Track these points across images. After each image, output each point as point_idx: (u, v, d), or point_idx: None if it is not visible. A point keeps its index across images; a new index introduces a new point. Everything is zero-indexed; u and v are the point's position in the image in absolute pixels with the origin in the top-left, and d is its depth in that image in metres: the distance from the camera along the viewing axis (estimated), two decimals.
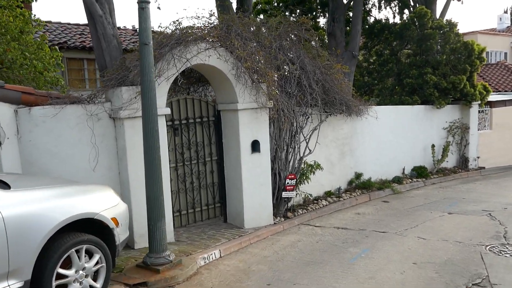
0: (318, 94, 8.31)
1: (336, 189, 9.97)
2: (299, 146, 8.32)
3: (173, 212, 6.94)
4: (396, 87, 14.34)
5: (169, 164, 6.83)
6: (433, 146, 12.93)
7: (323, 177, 9.51)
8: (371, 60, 15.57)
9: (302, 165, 8.34)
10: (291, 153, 8.16)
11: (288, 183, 7.74)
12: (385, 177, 11.59)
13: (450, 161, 13.75)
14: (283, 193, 7.76)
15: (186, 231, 6.95)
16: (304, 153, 8.32)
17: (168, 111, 6.23)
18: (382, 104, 13.15)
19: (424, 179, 12.37)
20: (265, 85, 7.12)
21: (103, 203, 4.49)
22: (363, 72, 15.48)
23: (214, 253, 6.03)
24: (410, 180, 12.05)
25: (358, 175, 10.67)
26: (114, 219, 4.53)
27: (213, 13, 7.45)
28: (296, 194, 8.41)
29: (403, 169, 12.28)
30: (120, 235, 4.67)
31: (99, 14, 7.21)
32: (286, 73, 7.82)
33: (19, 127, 5.91)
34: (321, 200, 9.21)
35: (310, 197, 8.84)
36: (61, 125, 5.91)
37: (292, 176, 7.80)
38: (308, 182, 8.33)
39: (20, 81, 7.53)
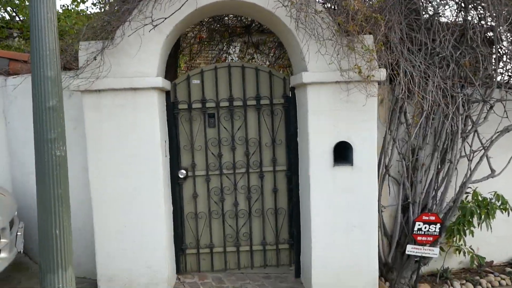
0: None
1: None
2: (471, 160, 4.35)
3: (199, 247, 4.35)
4: None
5: (193, 171, 4.28)
6: None
7: None
8: None
9: (466, 198, 4.34)
10: (442, 174, 4.32)
11: (419, 229, 4.00)
12: None
13: None
14: (409, 247, 4.06)
15: (215, 280, 4.26)
16: (471, 174, 4.29)
17: (157, 82, 3.68)
18: None
19: None
20: (370, 38, 3.72)
21: None
22: None
23: None
24: None
25: None
26: None
27: None
28: (460, 251, 4.50)
29: None
30: None
31: None
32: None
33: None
34: None
35: (480, 262, 4.58)
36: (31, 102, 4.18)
37: (433, 218, 4.00)
38: (470, 234, 4.27)
39: None
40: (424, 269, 4.53)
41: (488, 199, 4.22)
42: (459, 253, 4.54)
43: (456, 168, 4.38)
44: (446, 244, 4.46)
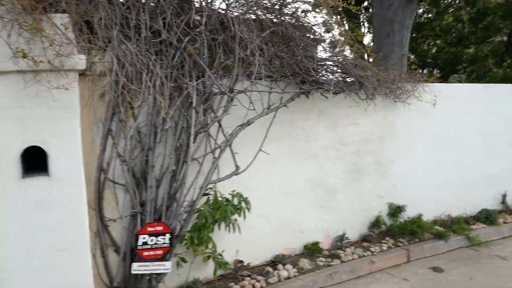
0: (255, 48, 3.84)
1: (337, 238, 5.27)
2: (217, 159, 3.95)
3: None
4: (503, 55, 8.69)
5: None
6: None
7: (301, 214, 4.97)
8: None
9: (208, 200, 3.93)
10: (180, 176, 3.83)
11: (145, 242, 3.44)
12: (460, 212, 6.43)
13: None
14: (135, 265, 3.48)
15: None
16: (209, 173, 3.89)
17: None
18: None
19: None
20: (65, 17, 3.01)
21: None
22: (449, 38, 9.99)
23: None
24: None
25: (395, 210, 5.77)
26: None
27: None
28: (211, 257, 4.06)
29: (504, 196, 6.91)
30: None
31: None
32: None
33: None
34: (283, 265, 4.64)
35: (223, 267, 4.15)
36: None
37: (160, 228, 3.47)
38: (208, 240, 3.88)
39: None
40: (171, 284, 4.02)
41: (225, 200, 3.85)
42: (214, 260, 4.13)
43: (200, 168, 3.96)
44: (194, 252, 4.00)
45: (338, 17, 13.54)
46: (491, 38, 9.05)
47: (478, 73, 8.73)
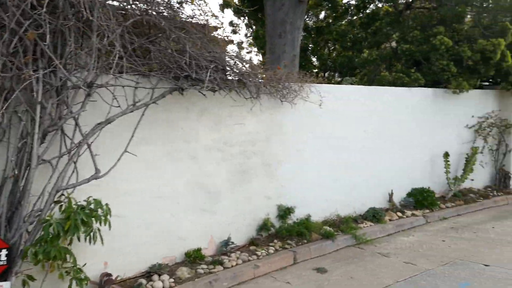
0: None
1: (222, 243, 5.02)
2: (72, 159, 3.49)
3: None
4: (392, 60, 9.08)
5: None
6: (446, 155, 7.77)
7: (181, 220, 4.65)
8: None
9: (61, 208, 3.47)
10: (25, 182, 3.33)
11: None
12: (350, 211, 6.53)
13: (479, 179, 8.64)
14: None
15: None
16: (59, 177, 3.43)
17: None
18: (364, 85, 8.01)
19: (427, 210, 7.30)
20: None
21: None
22: (345, 41, 10.30)
23: None
24: (401, 214, 6.94)
25: (284, 212, 5.66)
26: None
27: None
28: (70, 272, 3.58)
29: (390, 195, 7.16)
30: None
31: None
32: None
33: None
34: (159, 276, 4.27)
35: (79, 284, 3.57)
36: None
37: None
38: (59, 254, 3.42)
39: None
40: None
41: (78, 207, 3.41)
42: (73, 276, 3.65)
43: (54, 172, 3.49)
44: (43, 268, 3.49)
45: (246, 18, 13.52)
46: (382, 44, 9.48)
47: (370, 77, 9.09)
